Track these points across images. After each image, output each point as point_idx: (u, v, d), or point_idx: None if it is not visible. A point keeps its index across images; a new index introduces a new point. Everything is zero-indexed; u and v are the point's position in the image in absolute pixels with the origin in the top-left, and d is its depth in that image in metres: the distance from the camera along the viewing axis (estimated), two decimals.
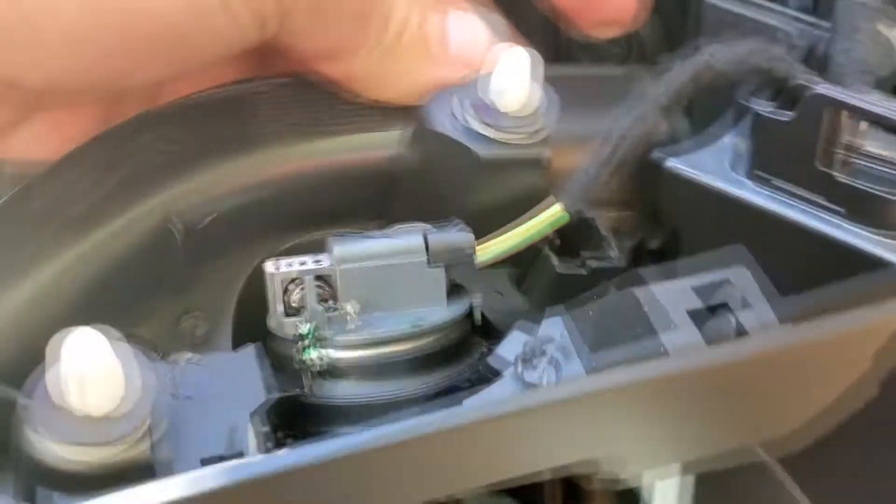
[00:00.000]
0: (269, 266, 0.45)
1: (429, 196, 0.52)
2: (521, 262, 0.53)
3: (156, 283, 0.47)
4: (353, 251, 0.45)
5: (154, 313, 0.47)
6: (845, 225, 0.48)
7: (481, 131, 0.50)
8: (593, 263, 0.51)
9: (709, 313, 0.43)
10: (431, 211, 0.50)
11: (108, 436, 0.34)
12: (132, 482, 0.32)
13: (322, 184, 0.52)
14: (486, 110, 0.51)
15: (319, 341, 0.43)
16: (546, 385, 0.41)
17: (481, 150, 0.49)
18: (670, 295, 0.42)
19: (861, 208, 0.47)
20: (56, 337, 0.34)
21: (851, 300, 0.39)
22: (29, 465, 0.36)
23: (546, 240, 0.51)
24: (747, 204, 0.50)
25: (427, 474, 0.38)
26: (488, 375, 0.42)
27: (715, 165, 0.52)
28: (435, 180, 0.51)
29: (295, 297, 0.45)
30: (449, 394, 0.44)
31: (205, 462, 0.36)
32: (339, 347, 0.43)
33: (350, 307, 0.43)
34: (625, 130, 0.51)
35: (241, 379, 0.39)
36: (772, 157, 0.50)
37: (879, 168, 0.48)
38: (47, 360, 0.34)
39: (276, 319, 0.45)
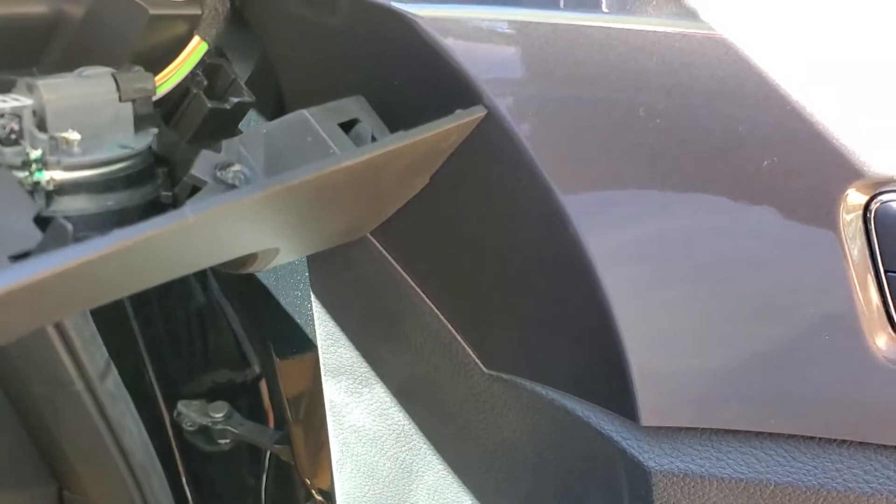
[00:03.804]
0: None
1: (88, 45, 0.60)
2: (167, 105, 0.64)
3: None
4: (57, 89, 0.53)
5: None
6: None
7: None
8: (234, 100, 0.63)
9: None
10: (90, 59, 0.59)
11: None
12: None
13: None
14: None
15: (45, 164, 0.51)
16: (240, 186, 0.53)
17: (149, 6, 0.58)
18: (319, 117, 0.56)
19: None
20: None
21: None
22: None
23: (195, 82, 0.62)
24: None
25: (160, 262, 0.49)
26: (193, 186, 0.53)
27: None
28: (98, 31, 0.59)
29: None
30: (158, 204, 0.55)
31: (13, 258, 0.43)
32: (68, 169, 0.52)
33: (72, 135, 0.52)
34: None
35: (5, 194, 0.46)
36: None
37: None
38: None
39: None
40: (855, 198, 0.56)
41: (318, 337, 0.80)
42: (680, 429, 0.64)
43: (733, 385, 0.62)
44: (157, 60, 0.60)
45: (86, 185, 0.52)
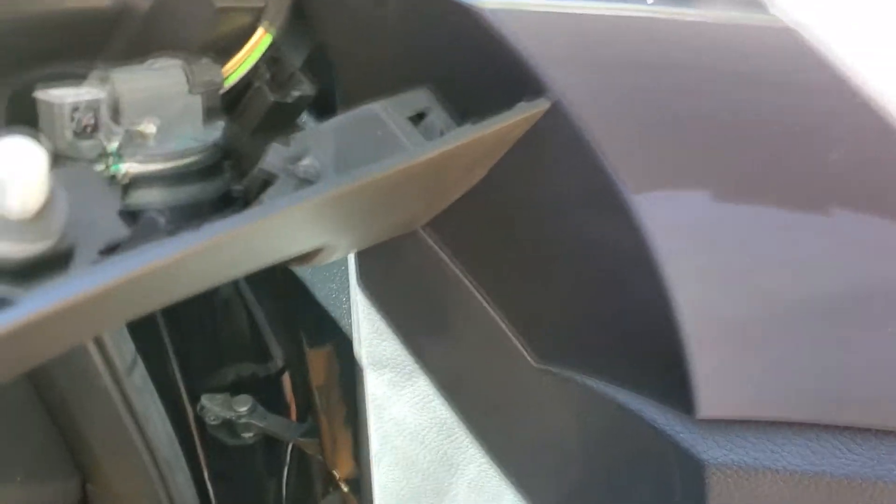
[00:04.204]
0: (51, 95, 0.51)
1: (152, 38, 0.60)
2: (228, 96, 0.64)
3: None
4: (131, 80, 0.53)
5: None
6: None
7: None
8: (296, 93, 0.63)
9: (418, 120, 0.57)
10: (153, 52, 0.58)
11: (40, 233, 0.40)
12: (53, 274, 0.39)
13: (47, 24, 0.57)
14: None
15: (121, 157, 0.51)
16: (312, 180, 0.53)
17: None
18: (389, 111, 0.56)
19: None
20: None
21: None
22: None
23: (258, 75, 0.62)
24: None
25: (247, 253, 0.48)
26: (265, 179, 0.53)
27: None
28: (163, 25, 0.59)
29: (74, 124, 0.52)
30: (232, 196, 0.55)
31: (103, 252, 0.43)
32: (143, 161, 0.51)
33: (148, 128, 0.51)
34: None
35: (90, 188, 0.46)
36: None
37: None
38: None
39: (67, 142, 0.51)
40: None
41: (361, 330, 0.79)
42: (734, 421, 0.64)
43: (791, 376, 0.62)
44: (221, 51, 0.60)
45: (160, 178, 0.52)
